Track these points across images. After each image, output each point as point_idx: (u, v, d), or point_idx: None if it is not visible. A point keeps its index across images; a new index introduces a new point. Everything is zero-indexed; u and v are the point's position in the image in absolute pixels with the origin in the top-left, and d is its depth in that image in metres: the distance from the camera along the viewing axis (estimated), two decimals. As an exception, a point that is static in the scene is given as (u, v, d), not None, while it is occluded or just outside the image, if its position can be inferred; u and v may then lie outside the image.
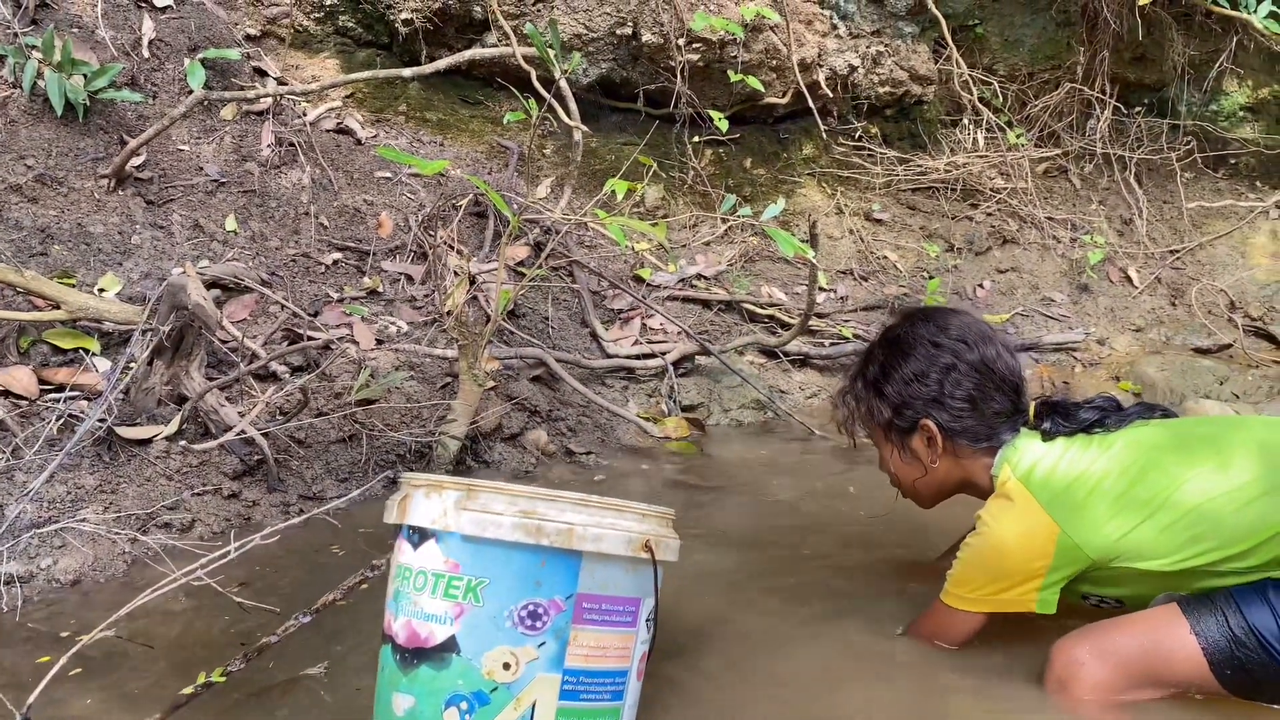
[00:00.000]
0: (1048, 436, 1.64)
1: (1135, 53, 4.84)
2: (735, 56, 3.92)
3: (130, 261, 2.71)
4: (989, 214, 4.58)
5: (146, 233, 2.83)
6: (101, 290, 2.57)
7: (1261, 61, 4.98)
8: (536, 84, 3.00)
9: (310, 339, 2.64)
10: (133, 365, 2.28)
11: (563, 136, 3.95)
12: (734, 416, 3.29)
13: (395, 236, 3.29)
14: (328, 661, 1.60)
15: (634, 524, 1.28)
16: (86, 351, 2.39)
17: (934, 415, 1.69)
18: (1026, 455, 1.63)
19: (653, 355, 3.28)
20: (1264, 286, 4.54)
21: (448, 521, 1.23)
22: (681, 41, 3.79)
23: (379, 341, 2.84)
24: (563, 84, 2.97)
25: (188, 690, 1.37)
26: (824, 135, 4.38)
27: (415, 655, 1.23)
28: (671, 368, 3.23)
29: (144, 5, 3.35)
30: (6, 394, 2.21)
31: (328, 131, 3.58)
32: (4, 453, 2.04)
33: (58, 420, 2.13)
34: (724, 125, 3.74)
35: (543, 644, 1.22)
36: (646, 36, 3.79)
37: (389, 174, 3.54)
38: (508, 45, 3.36)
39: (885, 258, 4.34)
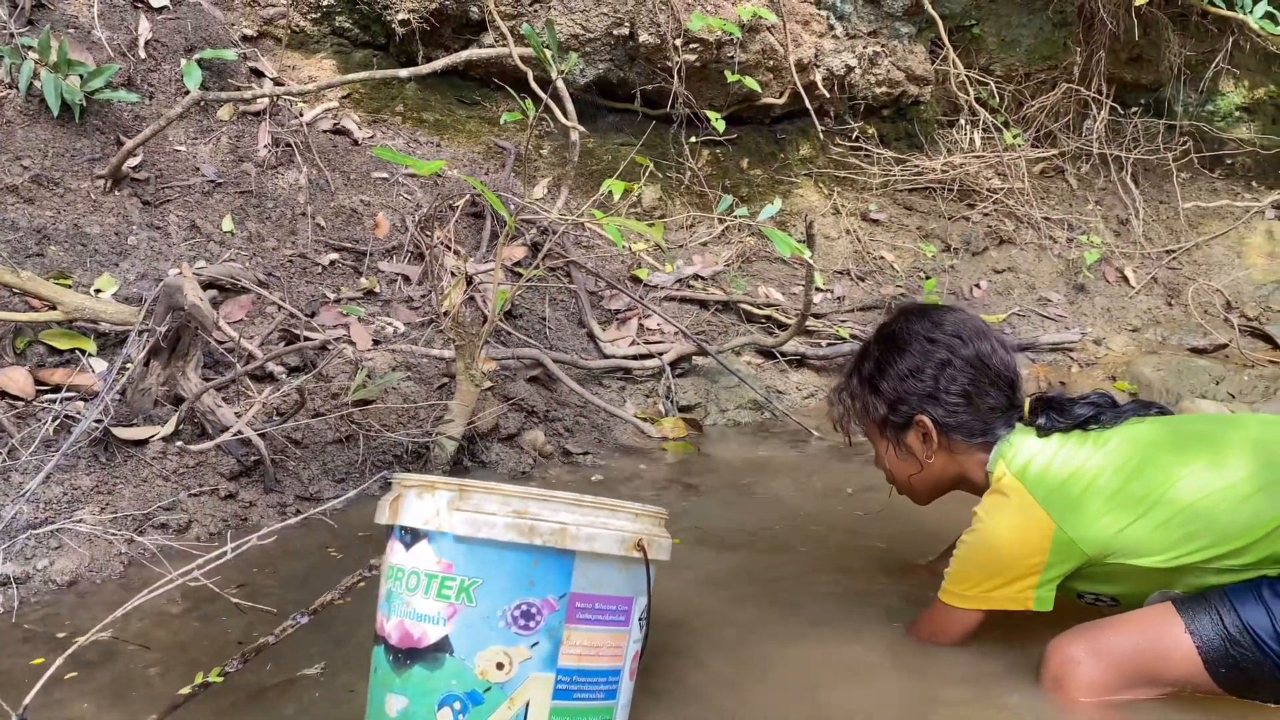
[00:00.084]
0: (1043, 432, 1.65)
1: (1131, 53, 4.85)
2: (732, 57, 3.92)
3: (127, 262, 2.71)
4: (985, 214, 4.59)
5: (143, 233, 2.83)
6: (98, 291, 2.57)
7: (1257, 62, 4.99)
8: (533, 84, 3.00)
9: (307, 339, 2.64)
10: (129, 366, 2.29)
11: (559, 137, 3.95)
12: (731, 417, 3.30)
13: (392, 237, 3.30)
14: (325, 662, 1.60)
15: (627, 523, 1.29)
16: (83, 352, 2.39)
17: (929, 411, 1.69)
18: (1022, 451, 1.63)
19: (650, 356, 3.28)
20: (1260, 286, 4.55)
21: (440, 522, 1.23)
22: (678, 42, 3.79)
23: (376, 342, 2.84)
24: (560, 84, 2.98)
25: (185, 691, 1.37)
26: (821, 135, 4.39)
27: (408, 656, 1.24)
28: (669, 368, 3.23)
29: (140, 6, 3.35)
30: (3, 395, 2.21)
31: (324, 132, 3.58)
32: (0, 454, 2.04)
33: (54, 421, 2.13)
34: (721, 125, 3.74)
35: (536, 643, 1.22)
36: (643, 37, 3.79)
37: (386, 174, 3.54)
38: (504, 46, 3.36)
39: (882, 258, 4.34)
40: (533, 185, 3.82)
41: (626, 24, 3.81)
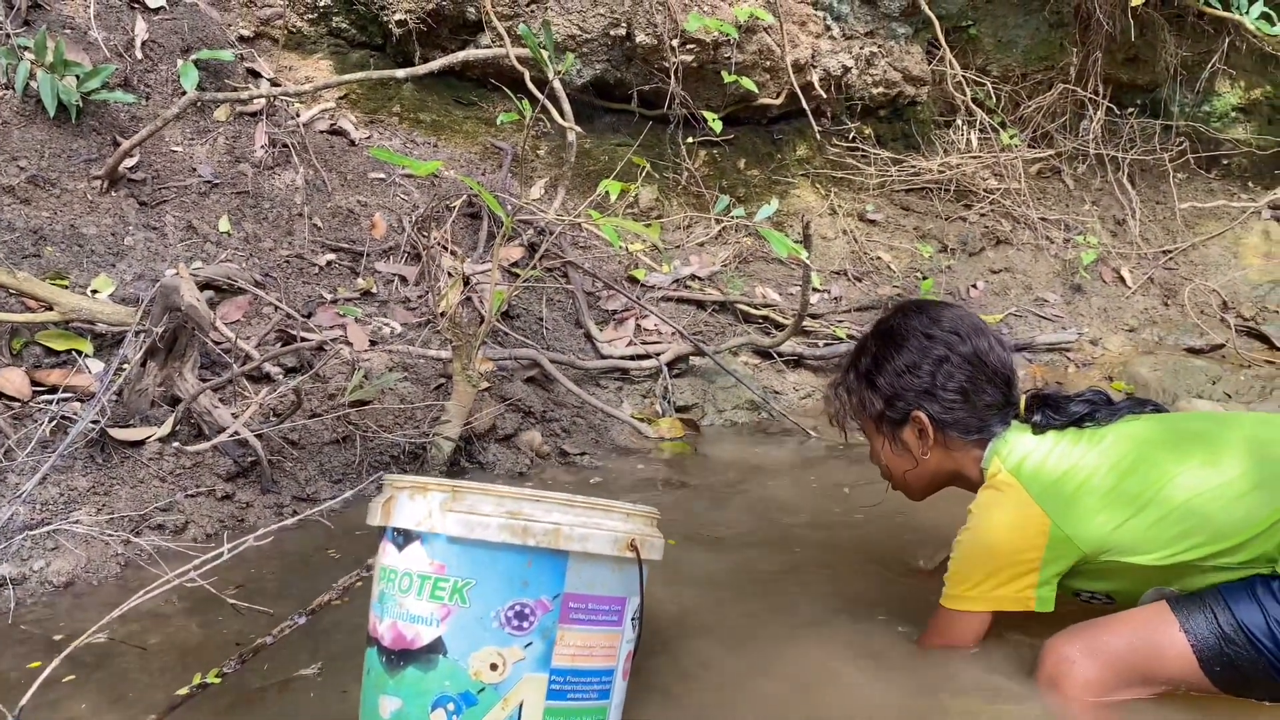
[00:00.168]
0: (1038, 429, 1.65)
1: (1128, 54, 4.86)
2: (729, 57, 3.93)
3: (123, 263, 2.71)
4: (982, 214, 4.59)
5: (139, 234, 2.83)
6: (94, 291, 2.57)
7: (1253, 62, 5.00)
8: (530, 85, 3.00)
9: (304, 340, 2.64)
10: (126, 367, 2.29)
11: (556, 137, 3.95)
12: (728, 417, 3.30)
13: (389, 237, 3.30)
14: (322, 662, 1.60)
15: (619, 523, 1.29)
16: (79, 353, 2.38)
17: (926, 407, 1.70)
18: (1017, 448, 1.64)
19: (647, 356, 3.28)
20: (1256, 286, 4.56)
21: (433, 523, 1.23)
22: (675, 42, 3.79)
23: (373, 342, 2.84)
24: (556, 85, 2.98)
25: (183, 691, 1.38)
26: (818, 136, 4.39)
27: (401, 657, 1.24)
28: (666, 368, 3.23)
29: (137, 6, 3.34)
30: (-1, 396, 2.22)
31: (321, 133, 3.58)
32: (-4, 455, 2.04)
33: (50, 422, 2.13)
34: (718, 126, 3.74)
35: (529, 644, 1.23)
36: (640, 37, 3.79)
37: (383, 175, 3.54)
38: (501, 46, 3.36)
39: (879, 258, 4.35)
40: (529, 186, 3.83)
41: (623, 24, 3.81)
